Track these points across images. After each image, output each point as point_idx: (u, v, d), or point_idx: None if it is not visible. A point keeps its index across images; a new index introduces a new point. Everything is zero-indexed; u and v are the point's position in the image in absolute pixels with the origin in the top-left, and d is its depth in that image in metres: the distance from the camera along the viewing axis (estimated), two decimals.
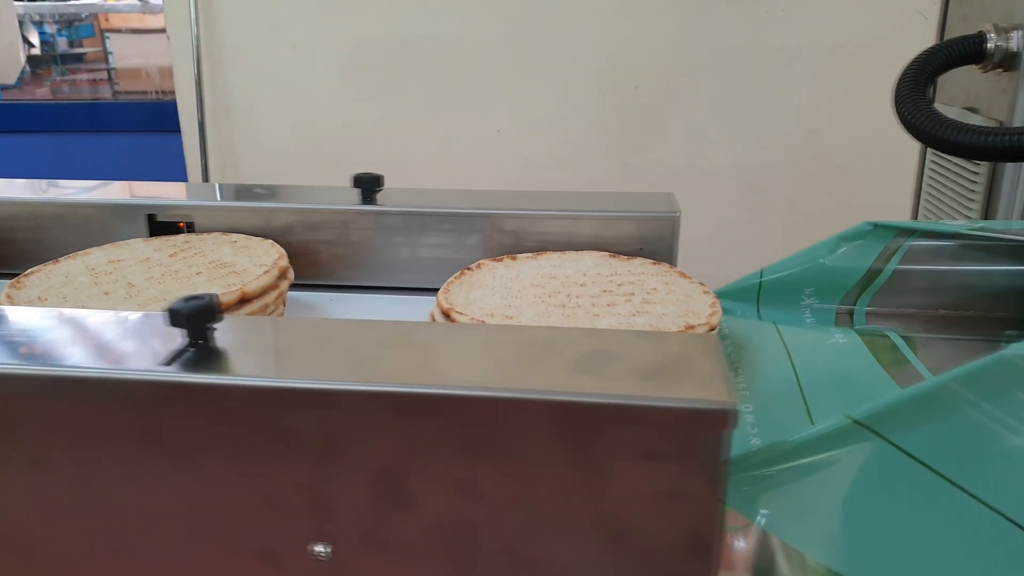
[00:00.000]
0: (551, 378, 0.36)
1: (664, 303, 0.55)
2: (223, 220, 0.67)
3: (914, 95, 0.68)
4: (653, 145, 1.92)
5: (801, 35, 1.71)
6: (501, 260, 0.62)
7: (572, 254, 0.63)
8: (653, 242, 0.62)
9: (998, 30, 0.72)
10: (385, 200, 0.71)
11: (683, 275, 0.60)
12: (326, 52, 2.15)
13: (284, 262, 0.63)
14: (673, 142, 1.86)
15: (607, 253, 0.63)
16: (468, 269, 0.60)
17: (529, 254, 0.63)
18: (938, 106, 0.96)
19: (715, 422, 0.34)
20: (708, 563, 0.35)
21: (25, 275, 0.62)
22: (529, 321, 0.51)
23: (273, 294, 0.60)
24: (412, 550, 0.37)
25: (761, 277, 0.57)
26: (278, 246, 0.66)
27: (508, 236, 0.63)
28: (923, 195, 0.87)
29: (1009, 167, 0.73)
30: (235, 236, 0.68)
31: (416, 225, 0.67)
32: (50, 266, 0.63)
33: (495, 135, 2.11)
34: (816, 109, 1.75)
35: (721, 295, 0.57)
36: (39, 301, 0.57)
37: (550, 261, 0.62)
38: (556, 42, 1.98)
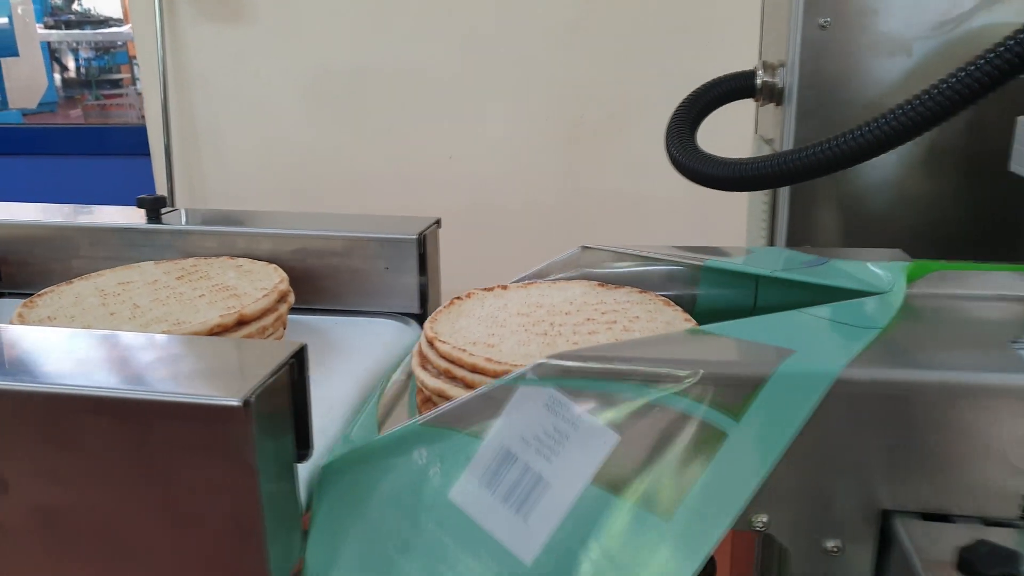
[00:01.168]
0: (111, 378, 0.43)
1: (644, 330, 0.56)
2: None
3: (679, 129, 0.77)
4: (599, 172, 2.00)
5: (742, 66, 1.79)
6: (491, 290, 0.64)
7: (561, 283, 0.65)
8: (398, 260, 0.70)
9: (766, 67, 0.81)
10: (171, 220, 0.78)
11: (667, 303, 0.61)
12: (288, 79, 2.24)
13: (284, 286, 0.64)
14: (618, 169, 1.94)
15: (595, 283, 0.65)
16: (458, 298, 0.62)
17: (520, 283, 0.66)
18: (751, 136, 1.05)
19: (231, 417, 0.39)
20: (259, 548, 0.41)
21: (39, 295, 0.64)
22: (510, 349, 0.54)
23: (271, 317, 0.61)
24: (11, 530, 0.43)
25: None
26: (281, 271, 0.67)
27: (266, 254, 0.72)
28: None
29: (784, 194, 0.80)
30: (241, 260, 0.70)
31: (193, 243, 0.74)
32: (63, 287, 0.65)
33: (448, 161, 2.20)
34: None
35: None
36: (48, 320, 0.59)
37: (539, 291, 0.64)
38: (506, 72, 2.06)
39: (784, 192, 0.80)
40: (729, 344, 0.48)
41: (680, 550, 0.41)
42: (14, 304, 0.64)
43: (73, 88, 4.48)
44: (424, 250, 0.71)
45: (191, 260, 0.71)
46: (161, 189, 2.32)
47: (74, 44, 4.45)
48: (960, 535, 0.40)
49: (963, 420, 0.41)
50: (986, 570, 0.35)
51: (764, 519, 0.45)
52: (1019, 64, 0.50)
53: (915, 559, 0.39)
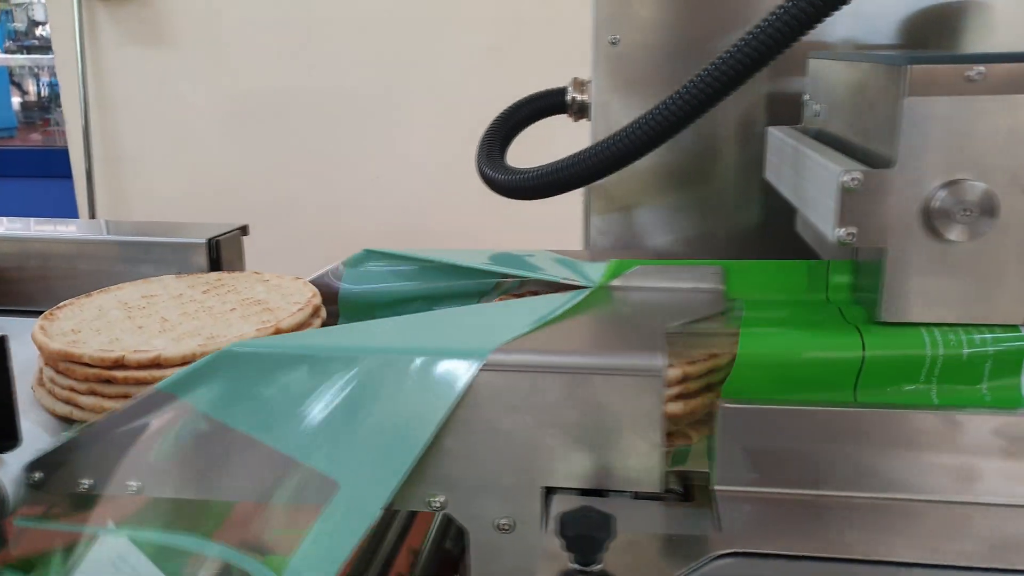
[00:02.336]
0: None
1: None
2: None
3: (488, 144, 0.80)
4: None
5: None
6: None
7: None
8: (188, 266, 0.74)
9: (576, 84, 0.84)
10: None
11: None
12: (212, 102, 2.26)
13: (317, 300, 0.64)
14: None
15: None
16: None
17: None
18: None
19: None
20: None
21: (58, 308, 0.63)
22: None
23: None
24: None
25: None
26: (311, 285, 0.67)
27: None
28: None
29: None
30: (267, 275, 0.70)
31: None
32: (82, 300, 0.64)
33: (373, 182, 2.23)
34: None
35: None
36: (72, 333, 0.58)
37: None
38: (430, 95, 2.10)
39: (585, 199, 0.84)
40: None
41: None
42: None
43: (33, 112, 4.47)
44: (218, 255, 0.73)
45: (215, 274, 0.71)
46: (83, 212, 2.32)
47: (35, 69, 4.45)
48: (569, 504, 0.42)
49: (600, 399, 0.44)
50: (567, 532, 0.37)
51: (441, 499, 0.47)
52: (768, 53, 0.52)
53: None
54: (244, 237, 0.79)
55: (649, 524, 0.43)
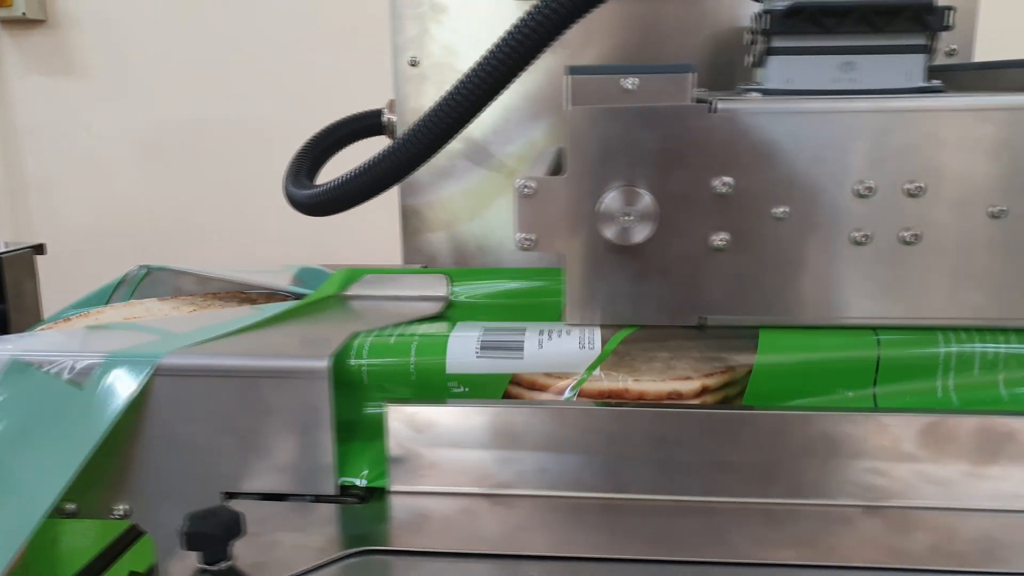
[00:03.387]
0: None
1: None
2: None
3: (298, 164, 0.82)
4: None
5: None
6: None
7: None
8: None
9: (391, 106, 0.86)
10: None
11: None
12: (122, 133, 2.25)
13: None
14: None
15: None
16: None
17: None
18: None
19: None
20: None
21: (38, 331, 0.59)
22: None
23: None
24: None
25: None
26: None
27: None
28: None
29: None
30: (255, 295, 0.69)
31: None
32: (61, 324, 0.61)
33: (284, 213, 2.22)
34: None
35: None
36: None
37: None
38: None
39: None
40: None
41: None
42: None
43: None
44: (1, 274, 0.73)
45: (202, 296, 0.70)
46: None
47: None
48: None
49: (269, 401, 0.44)
50: (187, 530, 0.37)
51: (124, 507, 0.47)
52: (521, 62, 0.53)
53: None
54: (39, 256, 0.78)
55: (293, 524, 0.43)
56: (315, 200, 0.72)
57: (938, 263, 0.46)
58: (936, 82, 0.55)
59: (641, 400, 0.46)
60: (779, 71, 0.54)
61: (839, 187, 0.45)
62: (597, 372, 0.47)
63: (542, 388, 0.48)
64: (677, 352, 0.50)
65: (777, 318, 0.47)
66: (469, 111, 0.56)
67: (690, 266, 0.47)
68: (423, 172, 0.67)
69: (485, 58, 0.53)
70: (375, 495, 0.46)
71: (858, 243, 0.46)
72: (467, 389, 0.47)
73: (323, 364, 0.44)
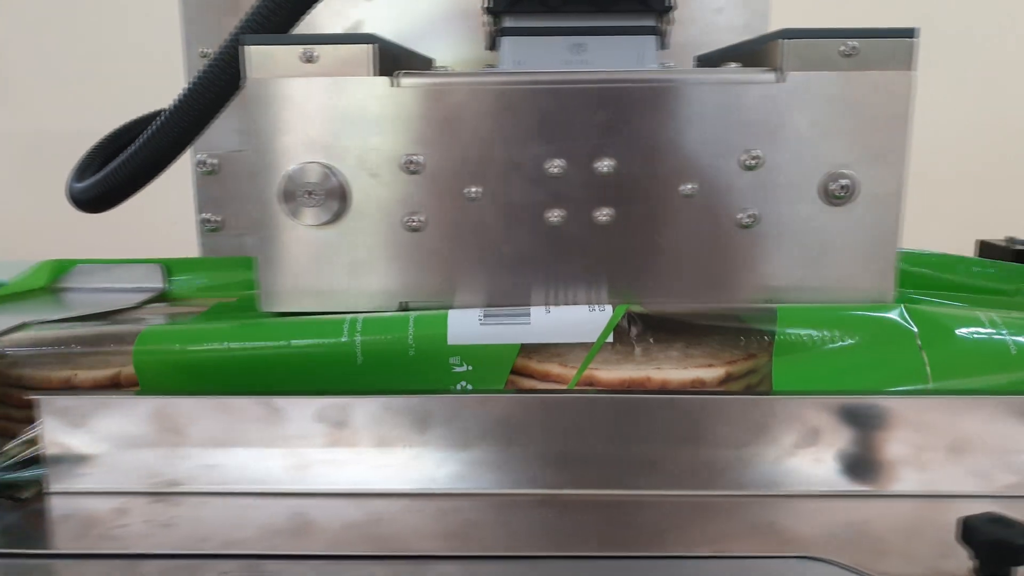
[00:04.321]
0: None
1: None
2: None
3: (88, 161, 0.78)
4: None
5: None
6: None
7: None
8: None
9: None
10: None
11: None
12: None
13: None
14: None
15: None
16: None
17: None
18: None
19: None
20: None
21: None
22: None
23: None
24: None
25: None
26: None
27: None
28: None
29: None
30: None
31: None
32: None
33: (171, 228, 2.15)
34: None
35: None
36: None
37: None
38: None
39: None
40: None
41: None
42: None
43: None
44: None
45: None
46: None
47: None
48: None
49: None
50: None
51: None
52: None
53: None
54: None
55: None
56: (93, 191, 0.68)
57: (633, 244, 0.45)
58: (670, 63, 0.54)
59: (663, 389, 0.43)
60: (510, 53, 0.53)
61: (533, 166, 0.44)
62: (615, 361, 0.43)
63: (558, 379, 0.43)
64: (691, 340, 0.46)
65: (478, 302, 0.45)
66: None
67: (386, 248, 0.45)
68: None
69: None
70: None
71: (553, 223, 0.44)
72: (471, 368, 0.42)
73: None
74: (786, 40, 0.43)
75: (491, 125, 0.43)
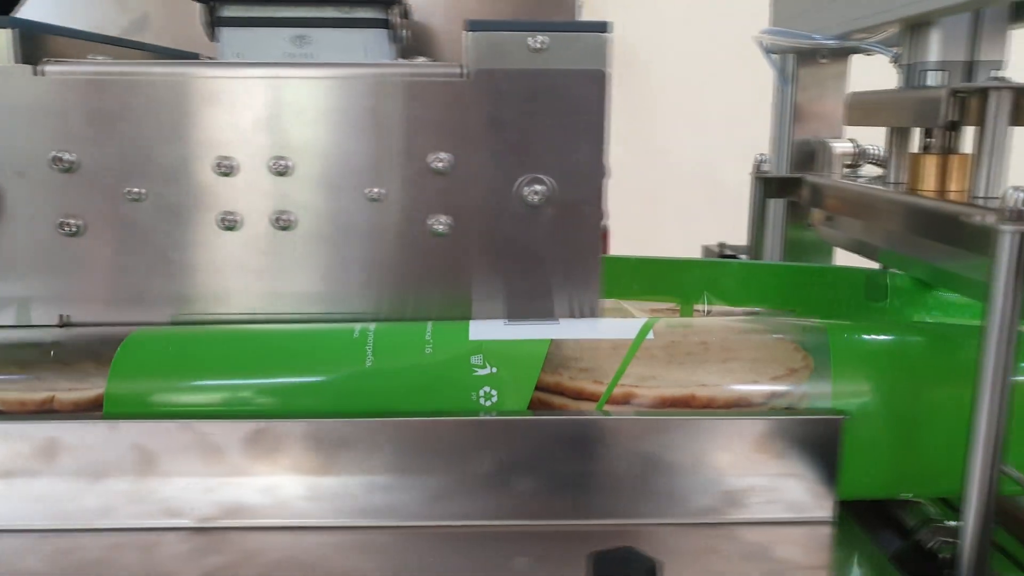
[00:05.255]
0: None
1: None
2: None
3: None
4: None
5: None
6: None
7: None
8: None
9: None
10: None
11: None
12: None
13: None
14: None
15: None
16: None
17: None
18: None
19: None
20: None
21: None
22: None
23: None
24: None
25: None
26: None
27: None
28: None
29: None
30: None
31: None
32: None
33: None
34: None
35: None
36: None
37: None
38: None
39: None
40: None
41: None
42: None
43: None
44: None
45: None
46: None
47: None
48: None
49: None
50: None
51: None
52: None
53: None
54: None
55: None
56: None
57: (316, 250, 0.41)
58: (403, 61, 0.50)
59: (708, 408, 0.38)
60: (230, 44, 0.49)
61: (199, 164, 0.40)
62: (654, 378, 0.39)
63: (591, 397, 0.39)
64: (726, 354, 0.41)
65: (149, 316, 0.41)
66: None
67: (37, 254, 0.40)
68: None
69: None
70: None
71: (228, 228, 0.41)
72: (495, 370, 0.38)
73: None
74: (471, 32, 0.39)
75: (149, 120, 0.39)
